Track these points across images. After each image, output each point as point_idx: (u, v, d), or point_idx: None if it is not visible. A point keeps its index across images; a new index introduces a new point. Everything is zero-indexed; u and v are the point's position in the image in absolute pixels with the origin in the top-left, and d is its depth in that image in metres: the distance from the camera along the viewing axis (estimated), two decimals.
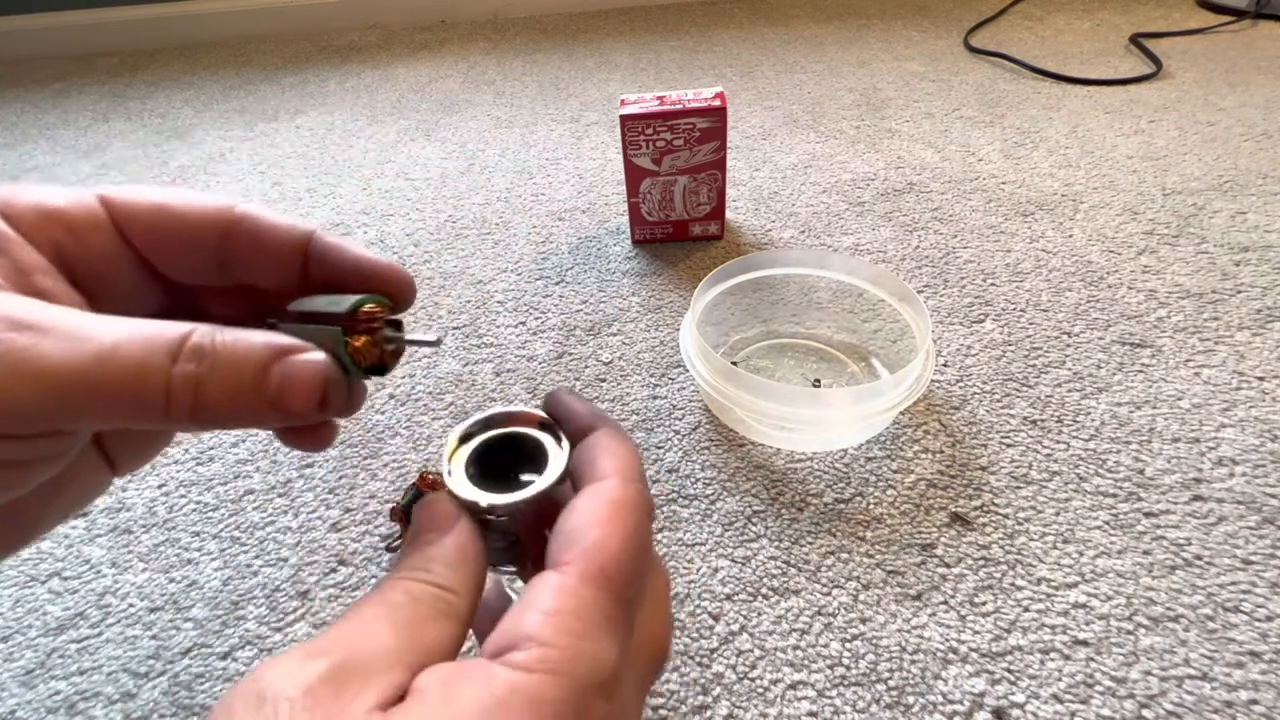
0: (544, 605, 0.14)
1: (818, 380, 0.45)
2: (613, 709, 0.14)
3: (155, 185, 0.19)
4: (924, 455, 0.39)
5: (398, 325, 0.19)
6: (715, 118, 0.52)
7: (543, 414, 0.20)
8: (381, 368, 0.18)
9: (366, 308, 0.18)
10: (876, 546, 0.35)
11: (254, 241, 0.18)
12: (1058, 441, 0.40)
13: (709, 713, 0.29)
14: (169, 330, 0.15)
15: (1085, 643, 0.30)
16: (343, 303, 0.18)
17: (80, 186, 0.18)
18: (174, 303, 0.20)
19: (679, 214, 0.58)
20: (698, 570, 0.35)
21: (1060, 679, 0.29)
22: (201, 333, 0.15)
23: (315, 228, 0.19)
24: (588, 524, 0.16)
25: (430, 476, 0.35)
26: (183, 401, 0.15)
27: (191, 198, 0.18)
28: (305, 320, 0.18)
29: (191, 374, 0.15)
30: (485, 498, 0.17)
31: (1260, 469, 0.37)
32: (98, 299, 0.18)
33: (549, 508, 0.17)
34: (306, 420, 0.17)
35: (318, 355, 0.17)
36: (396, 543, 0.36)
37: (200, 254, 0.18)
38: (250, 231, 0.18)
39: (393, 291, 0.19)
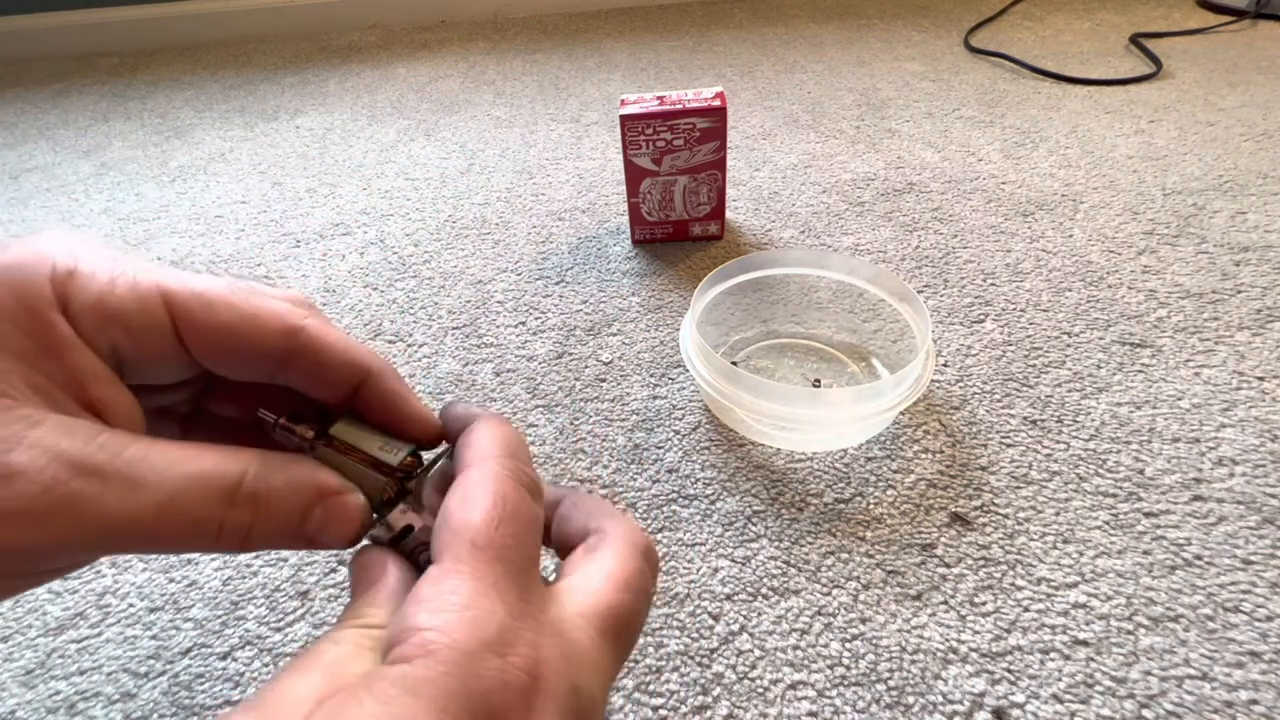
0: (421, 595, 0.14)
1: (818, 380, 0.45)
2: (521, 664, 0.14)
3: (215, 278, 0.18)
4: (924, 455, 0.39)
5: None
6: (715, 118, 0.52)
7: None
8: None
9: (409, 458, 0.19)
10: (876, 546, 0.35)
11: (312, 367, 0.18)
12: (1058, 441, 0.40)
13: (709, 713, 0.29)
14: (225, 475, 0.15)
15: (1085, 643, 0.30)
16: (396, 454, 0.19)
17: (149, 265, 0.17)
18: (202, 383, 0.20)
19: (679, 214, 0.58)
20: (698, 570, 0.35)
21: (1060, 679, 0.29)
22: (254, 477, 0.16)
23: (372, 365, 0.19)
24: (451, 509, 0.16)
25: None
26: (231, 542, 0.16)
27: (257, 310, 0.17)
28: (348, 451, 0.19)
29: (244, 521, 0.16)
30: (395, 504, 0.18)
31: (1260, 469, 0.37)
32: (141, 387, 0.18)
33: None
34: (334, 548, 0.18)
35: (358, 499, 0.18)
36: None
37: (255, 371, 0.18)
38: (310, 359, 0.18)
39: (426, 442, 0.20)
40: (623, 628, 0.17)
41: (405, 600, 0.15)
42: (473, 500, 0.16)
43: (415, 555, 0.18)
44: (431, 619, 0.14)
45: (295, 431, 0.19)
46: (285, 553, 0.37)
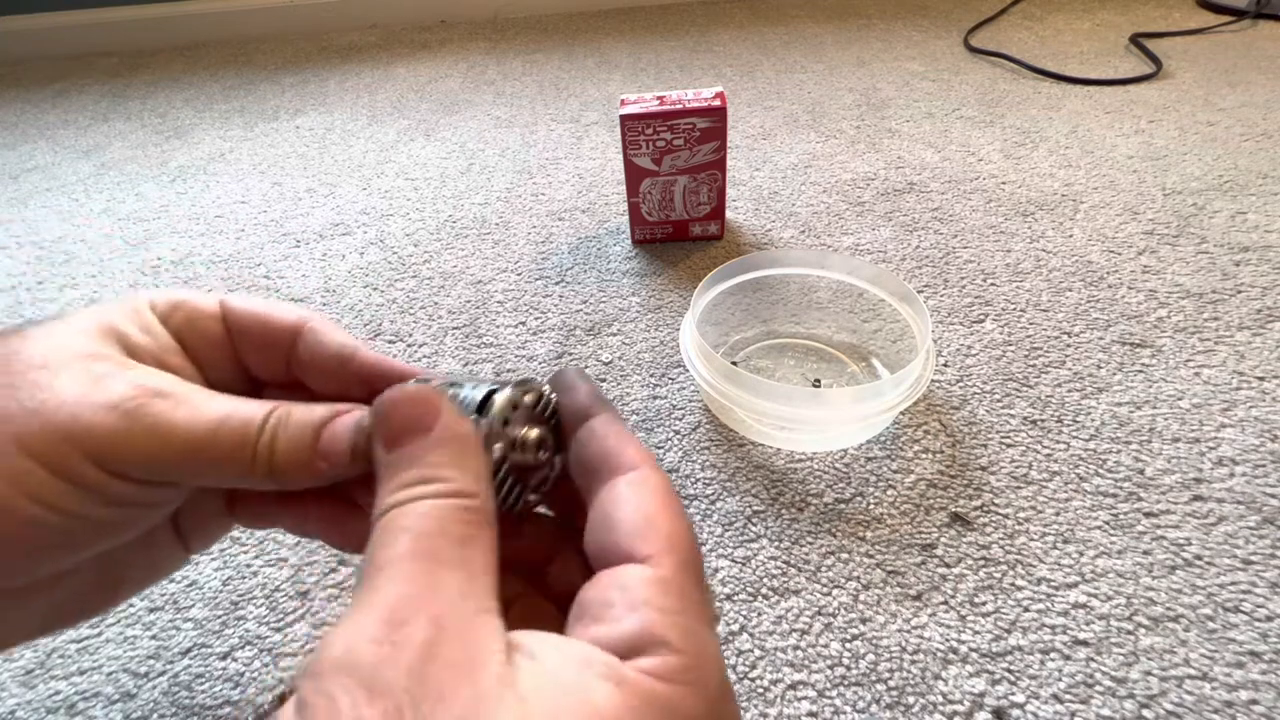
0: (659, 603, 0.14)
1: (818, 380, 0.45)
2: (735, 709, 0.14)
3: (274, 301, 0.24)
4: (924, 455, 0.39)
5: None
6: (715, 118, 0.52)
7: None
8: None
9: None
10: (877, 546, 0.35)
11: (311, 349, 0.21)
12: (1058, 441, 0.40)
13: None
14: (260, 408, 0.19)
15: (1085, 643, 0.30)
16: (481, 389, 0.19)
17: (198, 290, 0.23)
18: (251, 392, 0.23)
19: (679, 214, 0.58)
20: None
21: (1060, 679, 0.29)
22: (281, 410, 0.19)
23: (359, 347, 0.22)
24: (654, 513, 0.16)
25: None
26: (263, 463, 0.18)
27: (282, 310, 0.22)
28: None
29: (267, 442, 0.18)
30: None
31: (1260, 469, 0.37)
32: (208, 378, 0.21)
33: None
34: (346, 470, 0.19)
35: (357, 413, 0.19)
36: None
37: (276, 353, 0.22)
38: (310, 341, 0.21)
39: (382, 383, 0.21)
40: None
41: (624, 590, 0.14)
42: (673, 512, 0.16)
43: (506, 476, 0.18)
44: (684, 642, 0.14)
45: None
46: (285, 553, 0.37)
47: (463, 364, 0.49)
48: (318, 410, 0.19)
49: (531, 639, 0.14)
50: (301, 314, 0.22)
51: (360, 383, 0.21)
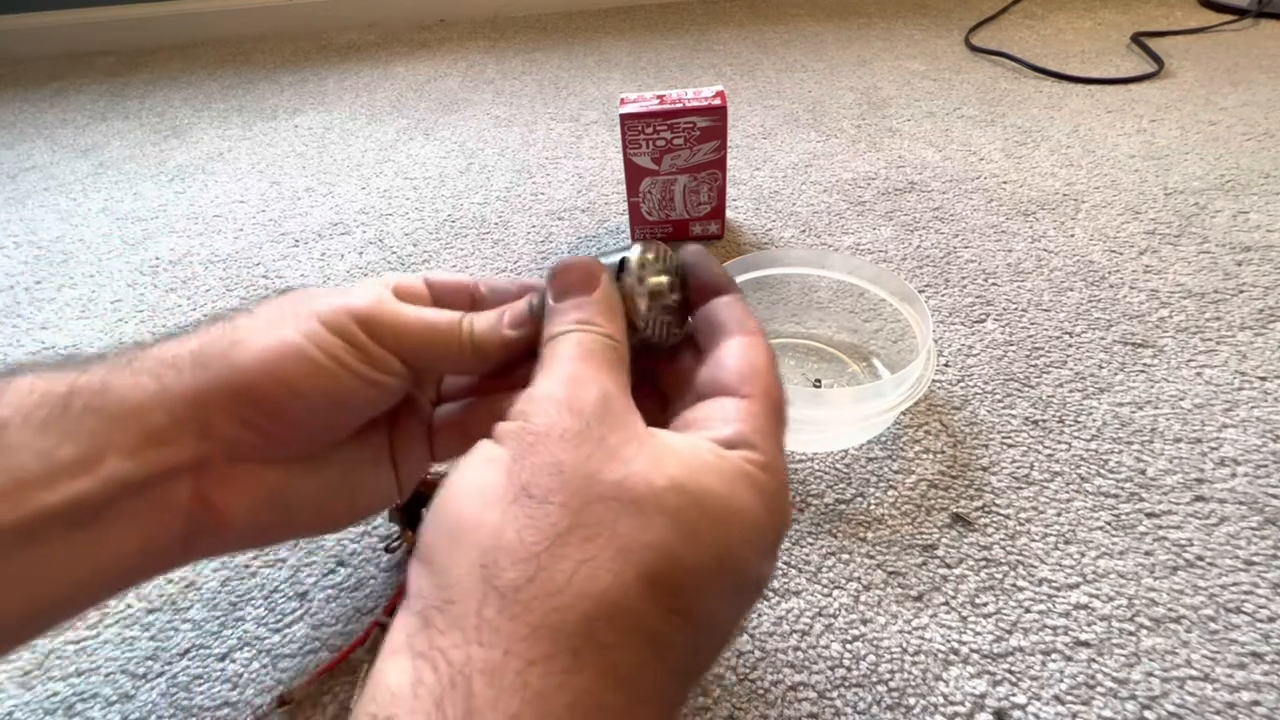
0: (750, 423, 0.19)
1: (818, 380, 0.45)
2: (783, 522, 0.19)
3: (457, 272, 0.31)
4: (925, 456, 0.39)
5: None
6: (715, 117, 0.52)
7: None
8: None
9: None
10: (877, 547, 0.35)
11: (493, 288, 0.27)
12: (1059, 442, 0.39)
13: (709, 714, 0.29)
14: (457, 311, 0.25)
15: (1087, 644, 0.30)
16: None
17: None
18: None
19: (679, 213, 0.58)
20: None
21: (1062, 680, 0.29)
22: (471, 313, 0.25)
23: (528, 279, 0.27)
24: (760, 367, 0.21)
25: (429, 476, 0.35)
26: (466, 336, 0.24)
27: (462, 276, 0.28)
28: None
29: (468, 321, 0.24)
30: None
31: (1262, 469, 0.37)
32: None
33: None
34: (527, 331, 0.24)
35: (524, 300, 0.25)
36: (396, 543, 0.36)
37: (463, 299, 0.27)
38: (489, 285, 0.27)
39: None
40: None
41: (733, 415, 0.20)
42: (774, 371, 0.21)
43: (654, 317, 0.23)
44: (766, 445, 0.19)
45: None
46: (284, 554, 0.36)
47: None
48: (496, 309, 0.25)
49: (657, 430, 0.19)
50: (479, 277, 0.28)
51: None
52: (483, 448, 0.19)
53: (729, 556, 0.17)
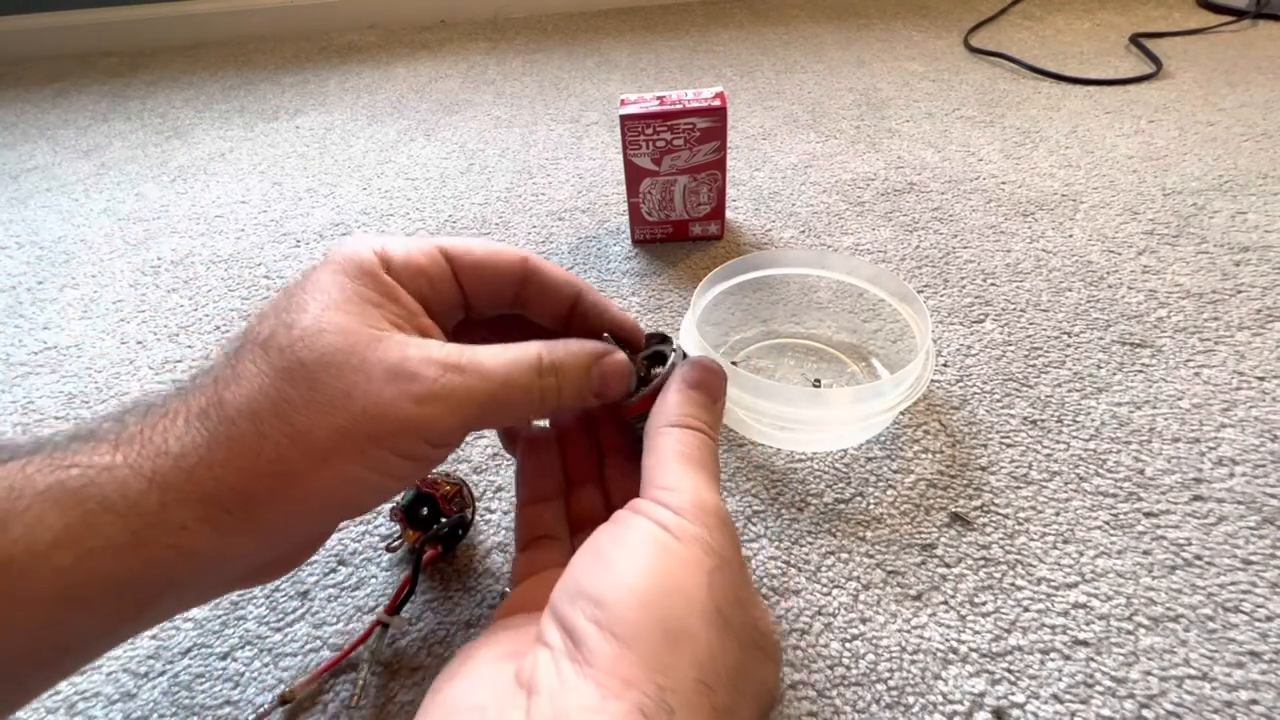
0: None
1: (818, 380, 0.45)
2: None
3: (478, 239, 0.28)
4: (924, 455, 0.39)
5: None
6: (715, 117, 0.52)
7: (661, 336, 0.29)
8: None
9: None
10: (876, 546, 0.35)
11: (540, 289, 0.26)
12: (1058, 441, 0.40)
13: None
14: (531, 354, 0.22)
15: (1085, 643, 0.30)
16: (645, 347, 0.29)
17: (423, 238, 0.25)
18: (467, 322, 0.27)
19: (679, 214, 0.58)
20: None
21: (1060, 679, 0.29)
22: (548, 351, 0.23)
23: (581, 282, 0.27)
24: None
25: (429, 476, 0.35)
26: (549, 403, 0.23)
27: (500, 250, 0.25)
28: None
29: (553, 385, 0.23)
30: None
31: (1260, 469, 0.37)
32: (431, 312, 0.24)
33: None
34: (616, 399, 0.25)
35: (623, 356, 0.25)
36: (396, 543, 0.36)
37: (504, 295, 0.26)
38: (538, 279, 0.26)
39: (632, 341, 0.28)
40: None
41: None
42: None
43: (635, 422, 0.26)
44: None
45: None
46: None
47: None
48: (584, 351, 0.24)
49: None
50: (520, 251, 0.25)
51: (580, 316, 0.27)
52: (660, 536, 0.20)
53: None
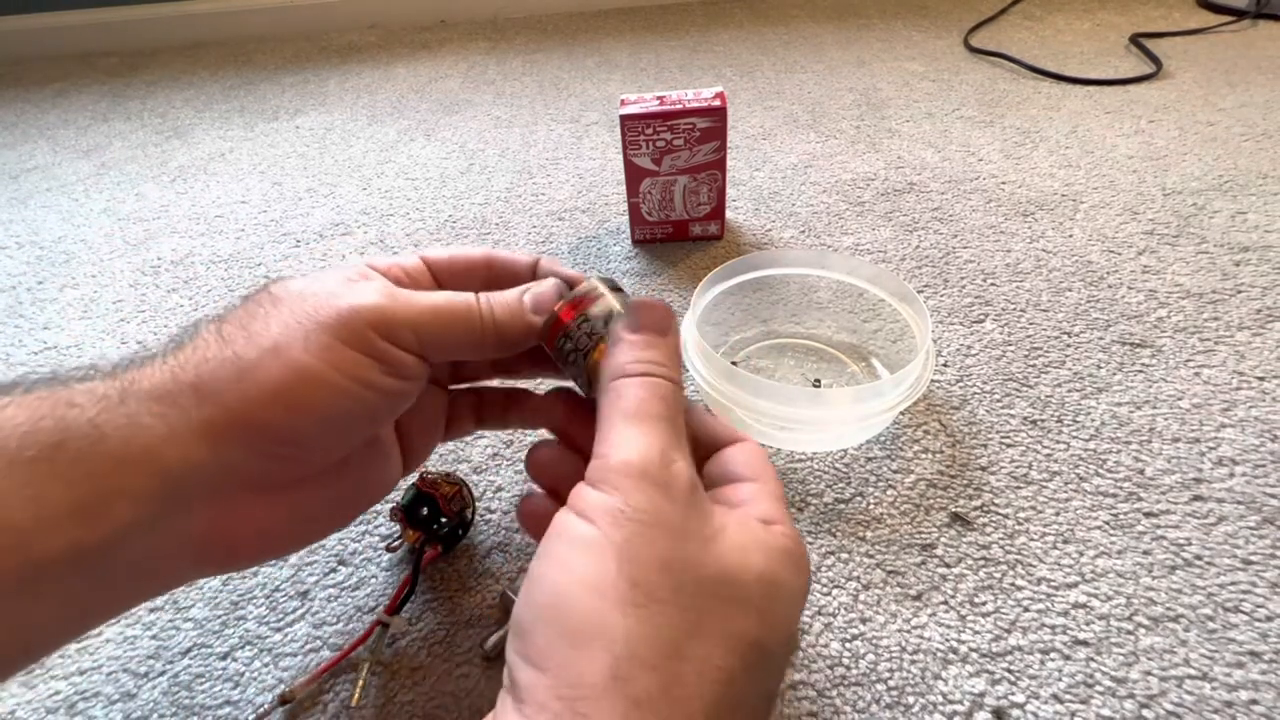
0: (775, 503, 0.22)
1: (818, 380, 0.45)
2: (810, 581, 0.23)
3: (471, 246, 0.32)
4: (924, 455, 0.39)
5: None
6: (715, 118, 0.52)
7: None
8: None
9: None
10: (876, 546, 0.35)
11: (503, 265, 0.28)
12: (1058, 441, 0.40)
13: None
14: (469, 293, 0.25)
15: (1085, 643, 0.30)
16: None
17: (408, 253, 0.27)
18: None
19: (679, 214, 0.58)
20: None
21: (1060, 679, 0.29)
22: (483, 292, 0.25)
23: (542, 258, 0.28)
24: (765, 460, 0.24)
25: (430, 476, 0.35)
26: (487, 323, 0.24)
27: (469, 249, 0.28)
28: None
29: (488, 306, 0.24)
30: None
31: (1260, 469, 0.37)
32: None
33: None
34: (546, 316, 0.25)
35: (551, 279, 0.26)
36: (396, 542, 0.36)
37: (473, 277, 0.27)
38: (500, 261, 0.28)
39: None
40: None
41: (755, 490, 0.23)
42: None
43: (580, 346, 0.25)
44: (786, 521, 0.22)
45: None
46: None
47: None
48: (514, 289, 0.25)
49: (717, 506, 0.21)
50: (483, 249, 0.28)
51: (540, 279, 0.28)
52: (572, 526, 0.19)
53: (790, 631, 0.20)
